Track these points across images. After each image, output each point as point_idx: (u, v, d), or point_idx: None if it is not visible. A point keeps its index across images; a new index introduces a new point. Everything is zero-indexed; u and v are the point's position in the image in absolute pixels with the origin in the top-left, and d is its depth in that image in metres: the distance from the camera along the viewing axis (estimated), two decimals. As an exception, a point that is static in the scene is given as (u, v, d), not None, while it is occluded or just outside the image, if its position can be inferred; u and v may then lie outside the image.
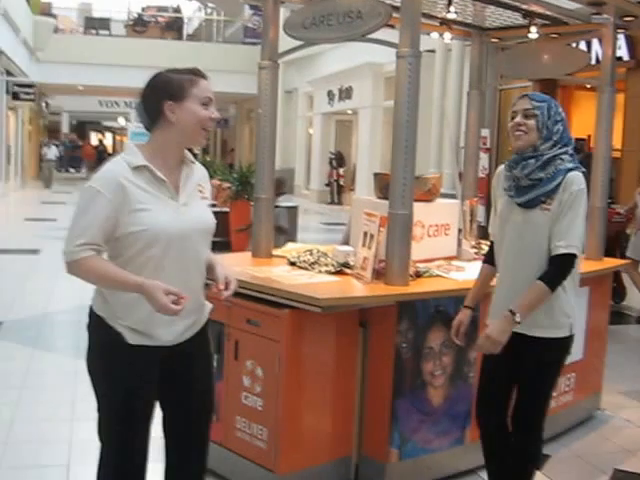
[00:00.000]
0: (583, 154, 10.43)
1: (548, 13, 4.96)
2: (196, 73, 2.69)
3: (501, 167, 3.34)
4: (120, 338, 2.64)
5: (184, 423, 2.86)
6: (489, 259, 3.46)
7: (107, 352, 2.69)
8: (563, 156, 3.10)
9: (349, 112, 23.66)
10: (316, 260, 4.20)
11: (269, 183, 4.64)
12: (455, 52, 14.92)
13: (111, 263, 2.62)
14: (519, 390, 3.31)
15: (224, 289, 2.70)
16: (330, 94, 24.59)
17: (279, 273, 4.05)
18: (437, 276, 4.19)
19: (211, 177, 11.21)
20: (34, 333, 5.31)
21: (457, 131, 13.37)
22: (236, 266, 4.03)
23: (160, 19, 34.39)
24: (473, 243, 4.99)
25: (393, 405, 3.87)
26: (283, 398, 3.67)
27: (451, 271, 4.29)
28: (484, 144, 13.59)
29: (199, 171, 2.84)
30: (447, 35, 5.51)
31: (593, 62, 11.60)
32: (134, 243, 2.60)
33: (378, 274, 3.93)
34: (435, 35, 5.62)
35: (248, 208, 9.79)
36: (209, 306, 2.90)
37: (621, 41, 11.61)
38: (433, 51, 16.38)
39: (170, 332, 2.69)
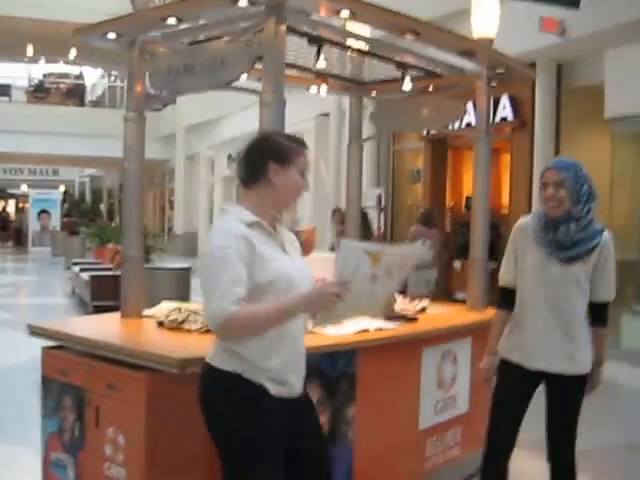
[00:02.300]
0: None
1: (421, 65, 4.96)
2: (302, 143, 2.87)
3: (523, 222, 3.67)
4: (262, 390, 2.75)
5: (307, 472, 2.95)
6: (505, 305, 3.74)
7: (249, 408, 2.74)
8: (593, 217, 3.49)
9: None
10: (185, 318, 3.98)
11: (137, 239, 4.43)
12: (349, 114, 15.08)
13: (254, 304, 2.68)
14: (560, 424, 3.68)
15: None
16: (230, 158, 24.58)
17: (145, 333, 3.83)
18: (311, 332, 4.01)
19: (108, 241, 11.02)
20: None
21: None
22: (103, 328, 3.80)
23: (62, 86, 34.13)
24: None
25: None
26: (146, 468, 3.39)
27: (328, 326, 4.11)
28: (379, 203, 13.80)
29: (283, 227, 2.98)
30: (323, 88, 5.45)
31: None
32: (269, 289, 2.70)
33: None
34: (314, 90, 5.54)
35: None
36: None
37: (505, 101, 11.95)
38: (327, 114, 16.60)
39: (298, 378, 2.86)
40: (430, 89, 5.50)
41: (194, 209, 28.23)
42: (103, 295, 11.64)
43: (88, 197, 44.61)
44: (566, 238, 3.45)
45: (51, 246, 28.01)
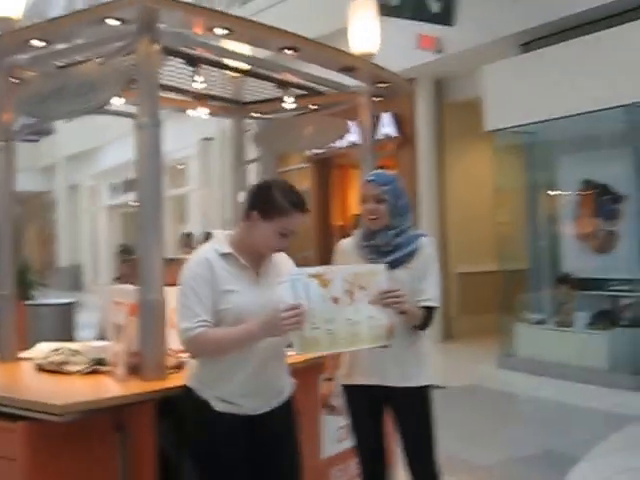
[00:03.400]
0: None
1: (302, 82, 4.84)
2: (296, 206, 2.91)
3: (342, 242, 3.66)
4: (206, 406, 2.93)
5: None
6: None
7: (198, 420, 2.97)
8: (410, 224, 3.53)
9: (134, 204, 23.08)
10: (66, 360, 3.70)
11: (10, 278, 4.14)
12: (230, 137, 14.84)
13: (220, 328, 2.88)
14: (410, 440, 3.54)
15: None
16: (113, 187, 24.05)
17: (21, 378, 3.55)
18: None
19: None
20: None
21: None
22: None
23: None
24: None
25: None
26: (28, 527, 3.10)
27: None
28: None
29: (280, 257, 3.09)
30: (203, 110, 5.26)
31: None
32: (224, 319, 2.87)
33: (134, 369, 3.51)
34: (193, 113, 5.35)
35: (21, 309, 9.03)
36: (292, 381, 3.18)
37: (388, 118, 12.05)
38: (212, 139, 16.40)
39: (253, 403, 2.98)
40: (313, 108, 5.39)
41: (78, 241, 27.44)
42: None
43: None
44: (385, 243, 3.44)
45: None
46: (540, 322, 9.63)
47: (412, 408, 3.53)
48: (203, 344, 2.86)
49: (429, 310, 3.45)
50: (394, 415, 3.59)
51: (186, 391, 3.02)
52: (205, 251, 2.97)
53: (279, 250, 2.99)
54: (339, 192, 15.65)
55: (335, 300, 2.90)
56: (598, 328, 8.92)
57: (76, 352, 3.79)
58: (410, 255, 3.46)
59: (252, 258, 2.98)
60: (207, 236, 10.40)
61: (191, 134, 16.19)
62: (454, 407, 7.08)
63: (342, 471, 4.51)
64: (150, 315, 3.46)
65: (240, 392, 2.95)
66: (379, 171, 3.62)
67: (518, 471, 5.72)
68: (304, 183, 14.69)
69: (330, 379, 3.69)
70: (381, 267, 3.18)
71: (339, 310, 2.91)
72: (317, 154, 14.04)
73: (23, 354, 4.16)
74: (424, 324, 3.46)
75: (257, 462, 3.05)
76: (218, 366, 2.93)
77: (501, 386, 8.92)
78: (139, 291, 3.48)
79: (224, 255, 2.93)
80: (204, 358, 2.96)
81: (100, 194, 25.62)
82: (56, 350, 3.81)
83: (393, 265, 3.40)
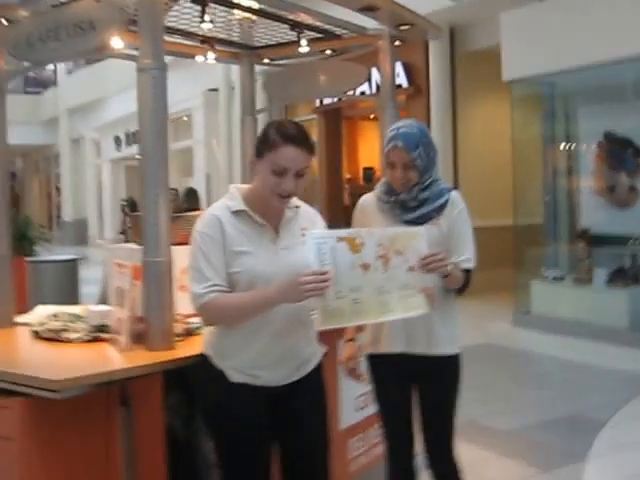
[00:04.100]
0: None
1: (318, 24, 4.48)
2: (287, 138, 2.58)
3: (362, 198, 3.35)
4: (222, 376, 2.69)
5: (297, 464, 2.86)
6: None
7: (212, 390, 2.74)
8: (436, 177, 3.22)
9: (138, 157, 22.76)
10: (64, 326, 3.41)
11: (4, 236, 3.82)
12: (238, 89, 14.41)
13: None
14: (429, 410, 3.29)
15: None
16: (117, 140, 23.71)
17: (15, 348, 3.26)
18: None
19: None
20: None
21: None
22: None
23: None
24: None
25: (171, 496, 3.14)
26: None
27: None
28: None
29: (306, 214, 2.82)
30: (210, 55, 4.90)
31: (374, 91, 11.64)
32: (237, 283, 2.63)
33: (139, 337, 3.21)
34: (200, 58, 5.00)
35: (23, 265, 8.76)
36: (321, 349, 2.90)
37: (399, 68, 11.64)
38: (216, 89, 15.99)
39: (273, 375, 2.73)
40: (329, 53, 5.03)
41: (82, 194, 27.20)
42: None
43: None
44: (411, 198, 3.15)
45: None
46: (557, 279, 9.37)
47: (438, 378, 3.28)
48: (217, 311, 2.61)
49: (467, 272, 3.16)
50: (418, 383, 3.31)
51: (202, 359, 2.76)
52: (216, 208, 2.69)
53: (282, 195, 2.60)
54: (348, 144, 15.30)
55: (365, 267, 2.61)
56: (618, 285, 8.69)
57: (76, 317, 3.50)
58: (438, 210, 3.17)
59: (270, 215, 2.68)
60: (189, 193, 10.02)
61: (195, 85, 15.81)
62: (469, 367, 6.76)
63: (361, 441, 4.26)
64: (156, 279, 3.14)
65: (258, 362, 2.69)
66: (406, 127, 3.16)
67: (543, 437, 5.41)
68: (312, 135, 14.36)
69: (352, 340, 3.38)
70: (420, 229, 2.88)
71: (368, 278, 2.61)
72: (326, 105, 13.66)
73: (20, 318, 3.88)
74: (463, 287, 3.18)
75: (278, 437, 2.80)
76: (235, 334, 2.67)
77: (517, 345, 8.69)
78: (143, 252, 3.17)
79: (236, 212, 2.66)
80: (220, 325, 2.72)
81: (104, 147, 25.29)
82: (54, 315, 3.51)
83: (420, 221, 3.12)
